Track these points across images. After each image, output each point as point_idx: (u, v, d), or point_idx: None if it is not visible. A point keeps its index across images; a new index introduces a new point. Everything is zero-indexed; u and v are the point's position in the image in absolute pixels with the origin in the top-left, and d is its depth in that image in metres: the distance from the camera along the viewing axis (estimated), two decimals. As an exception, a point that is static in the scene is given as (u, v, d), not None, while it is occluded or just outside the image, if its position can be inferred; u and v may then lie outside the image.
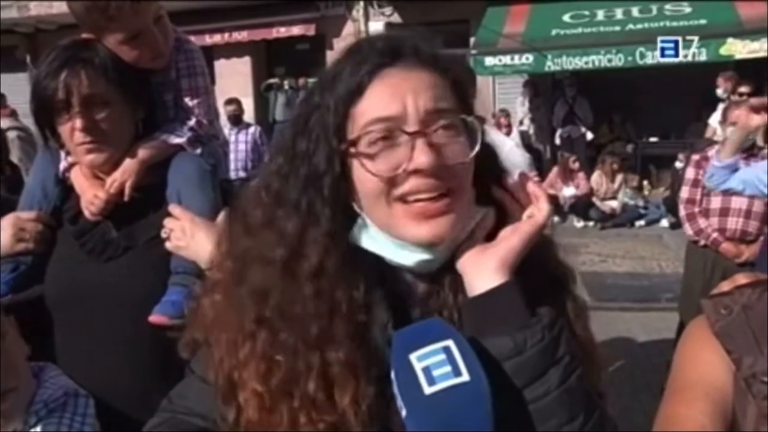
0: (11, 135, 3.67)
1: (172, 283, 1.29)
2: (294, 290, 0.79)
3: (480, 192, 0.85)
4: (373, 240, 0.82)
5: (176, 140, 1.42)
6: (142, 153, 1.39)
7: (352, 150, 0.79)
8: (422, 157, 0.76)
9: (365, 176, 0.79)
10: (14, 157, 3.59)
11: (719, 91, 8.13)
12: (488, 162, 0.86)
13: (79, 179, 1.41)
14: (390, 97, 0.78)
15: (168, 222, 1.30)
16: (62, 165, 1.43)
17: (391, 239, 0.81)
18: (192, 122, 1.44)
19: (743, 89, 7.18)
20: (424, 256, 0.81)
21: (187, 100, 1.46)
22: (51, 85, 1.31)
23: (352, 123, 0.80)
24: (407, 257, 0.82)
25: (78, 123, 1.31)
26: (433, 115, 0.79)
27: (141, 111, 1.41)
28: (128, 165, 1.37)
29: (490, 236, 0.84)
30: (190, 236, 1.24)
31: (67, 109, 1.31)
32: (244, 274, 0.82)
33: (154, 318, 1.24)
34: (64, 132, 1.34)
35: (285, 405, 0.77)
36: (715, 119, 7.57)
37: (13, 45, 12.03)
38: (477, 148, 0.81)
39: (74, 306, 1.36)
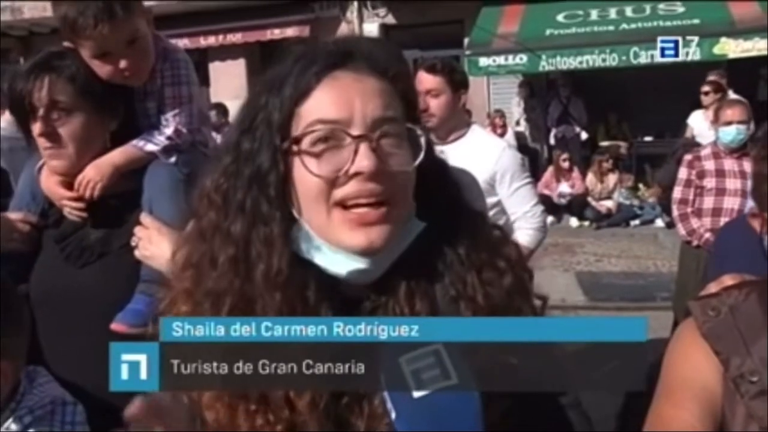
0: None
1: (138, 292, 1.32)
2: (248, 292, 0.79)
3: (422, 206, 0.85)
4: (309, 245, 0.81)
5: (151, 147, 1.44)
6: (116, 158, 1.42)
7: (295, 148, 0.79)
8: (364, 161, 0.76)
9: (306, 176, 0.79)
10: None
11: None
12: (434, 176, 0.86)
13: (45, 180, 1.44)
14: (337, 99, 0.79)
15: (137, 230, 1.31)
16: (38, 164, 1.46)
17: (327, 246, 0.81)
18: (169, 131, 1.46)
19: (706, 88, 7.28)
20: (358, 265, 0.80)
21: (168, 108, 1.48)
22: (18, 89, 1.35)
23: (297, 122, 0.80)
24: (341, 266, 0.80)
25: (37, 128, 1.34)
26: (379, 122, 0.79)
27: (113, 123, 1.43)
28: (101, 167, 1.40)
29: (426, 253, 0.83)
30: (156, 245, 1.25)
31: (34, 113, 1.34)
32: (202, 279, 0.82)
33: (115, 326, 1.27)
34: (34, 135, 1.37)
35: (242, 407, 0.78)
36: (693, 119, 7.64)
37: (6, 48, 12.00)
38: (420, 157, 0.81)
39: (54, 308, 1.40)
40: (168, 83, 1.48)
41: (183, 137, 1.47)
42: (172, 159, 1.45)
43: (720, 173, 3.86)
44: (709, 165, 3.89)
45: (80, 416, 1.19)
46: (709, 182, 3.86)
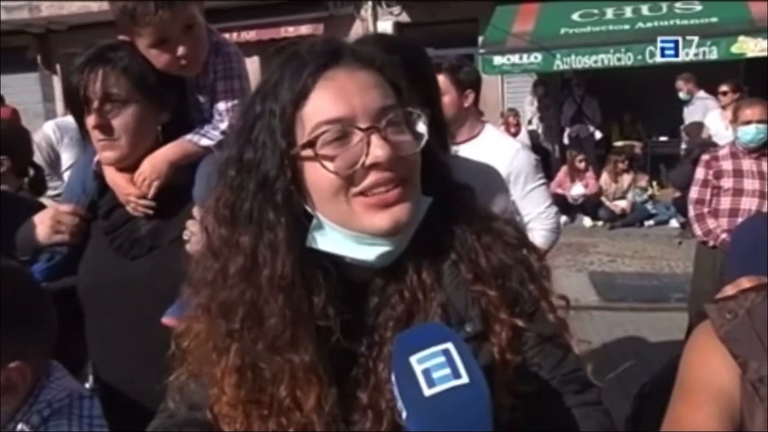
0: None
1: None
2: (258, 301, 0.81)
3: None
4: (329, 240, 0.83)
5: (206, 142, 1.45)
6: (171, 153, 1.43)
7: (308, 152, 0.80)
8: (378, 151, 0.79)
9: (323, 176, 0.80)
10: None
11: (681, 94, 8.16)
12: (427, 156, 0.88)
13: (109, 171, 1.46)
14: (337, 98, 0.80)
15: (189, 224, 1.33)
16: (96, 157, 1.48)
17: (351, 235, 0.82)
18: (224, 125, 1.46)
19: (724, 88, 7.22)
20: (385, 248, 0.82)
21: (221, 102, 1.48)
22: (74, 81, 1.37)
23: (301, 126, 0.81)
24: (368, 252, 0.82)
25: (92, 120, 1.36)
26: (380, 111, 0.82)
27: (165, 115, 1.44)
28: (157, 163, 1.41)
29: (428, 226, 0.85)
30: None
31: (88, 105, 1.36)
32: (216, 295, 0.84)
33: (166, 320, 1.26)
34: (88, 127, 1.39)
35: (255, 413, 0.81)
36: (710, 119, 7.59)
37: (24, 45, 12.12)
38: (425, 139, 0.84)
39: (102, 299, 1.42)
40: (220, 77, 1.48)
41: None
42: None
43: (738, 173, 3.81)
44: (727, 165, 3.85)
45: (97, 410, 1.20)
46: (727, 182, 3.82)
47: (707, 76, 8.08)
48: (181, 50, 1.40)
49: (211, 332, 0.85)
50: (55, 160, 3.46)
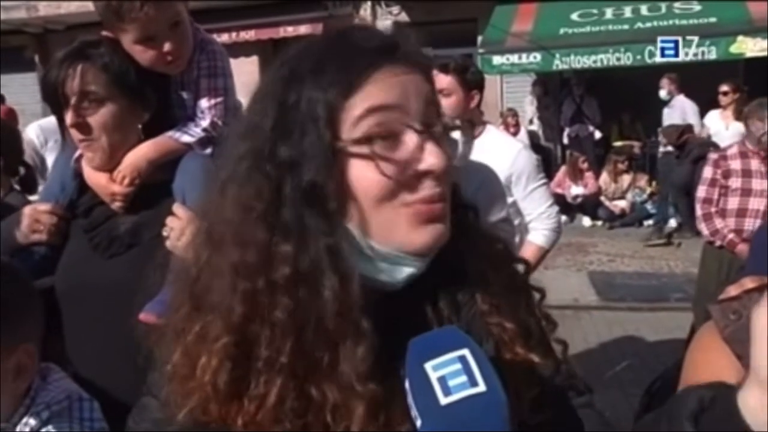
0: None
1: (168, 282, 1.29)
2: (321, 323, 0.69)
3: None
4: (353, 255, 0.71)
5: (187, 139, 1.43)
6: (151, 151, 1.40)
7: (361, 149, 0.70)
8: (434, 159, 0.71)
9: (373, 178, 0.70)
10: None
11: (662, 93, 8.16)
12: None
13: (88, 170, 1.43)
14: (393, 87, 0.71)
15: (170, 221, 1.31)
16: (75, 154, 1.46)
17: (381, 251, 0.72)
18: (206, 123, 1.45)
19: (725, 88, 7.21)
20: (412, 269, 0.74)
21: (204, 100, 1.46)
22: (52, 78, 1.35)
23: (348, 113, 0.70)
24: (397, 272, 0.74)
25: (69, 118, 1.33)
26: (431, 115, 0.74)
27: (146, 114, 1.41)
28: (136, 161, 1.39)
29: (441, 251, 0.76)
30: (188, 236, 1.24)
31: (66, 103, 1.34)
32: (255, 310, 0.70)
33: (144, 316, 1.23)
34: (66, 125, 1.37)
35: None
36: (710, 119, 7.59)
37: (21, 45, 12.09)
38: (464, 150, 0.80)
39: (80, 299, 1.39)
40: (204, 75, 1.47)
41: (219, 130, 1.45)
42: (208, 151, 1.44)
43: (746, 173, 3.77)
44: (735, 164, 3.80)
45: (97, 412, 1.18)
46: (735, 182, 3.78)
47: (706, 76, 8.08)
48: (167, 47, 1.37)
49: (237, 354, 0.71)
50: (40, 165, 3.35)
